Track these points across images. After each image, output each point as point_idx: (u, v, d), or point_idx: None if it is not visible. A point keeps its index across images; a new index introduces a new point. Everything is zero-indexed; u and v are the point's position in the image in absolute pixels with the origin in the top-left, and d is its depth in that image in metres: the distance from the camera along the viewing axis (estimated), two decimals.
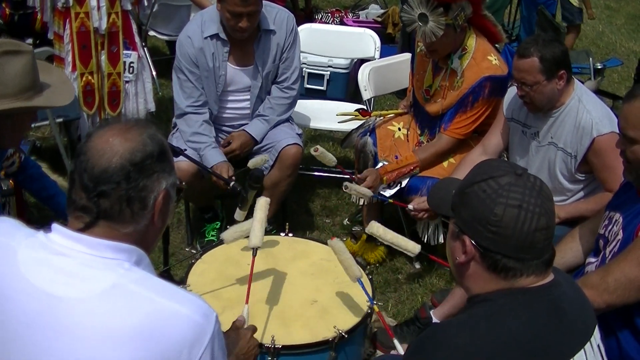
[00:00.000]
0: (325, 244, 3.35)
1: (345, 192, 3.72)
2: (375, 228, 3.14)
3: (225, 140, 4.13)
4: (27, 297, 1.62)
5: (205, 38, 3.95)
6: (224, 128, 4.23)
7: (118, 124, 1.73)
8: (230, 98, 4.14)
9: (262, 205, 2.92)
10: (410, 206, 3.76)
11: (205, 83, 4.03)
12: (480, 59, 3.81)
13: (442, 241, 4.02)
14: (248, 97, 4.14)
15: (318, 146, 3.70)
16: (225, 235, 3.00)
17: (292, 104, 4.27)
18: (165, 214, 1.78)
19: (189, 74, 4.00)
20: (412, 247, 3.15)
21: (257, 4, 3.82)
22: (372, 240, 4.26)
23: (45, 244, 1.68)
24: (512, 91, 3.65)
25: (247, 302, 2.64)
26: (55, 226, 1.70)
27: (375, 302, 2.86)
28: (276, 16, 4.06)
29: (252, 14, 3.81)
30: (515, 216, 1.78)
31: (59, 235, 1.68)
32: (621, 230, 2.67)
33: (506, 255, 1.81)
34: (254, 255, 2.81)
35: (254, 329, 2.36)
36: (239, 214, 3.35)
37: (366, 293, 2.84)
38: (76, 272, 1.63)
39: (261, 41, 4.02)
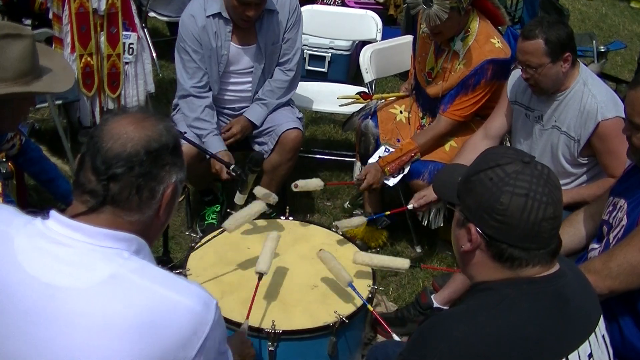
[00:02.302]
0: (327, 227, 3.34)
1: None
2: (361, 258, 3.02)
3: (225, 127, 4.11)
4: (24, 286, 1.61)
5: (208, 17, 3.92)
6: (225, 111, 4.21)
7: (135, 113, 1.73)
8: (232, 80, 4.11)
9: (274, 238, 2.90)
10: (409, 206, 3.72)
11: (207, 62, 4.00)
12: (483, 41, 3.78)
13: (442, 224, 4.01)
14: (250, 79, 4.12)
15: (297, 182, 3.47)
16: (227, 223, 2.97)
17: (293, 86, 4.24)
18: (171, 209, 1.78)
19: (192, 53, 3.97)
20: (401, 264, 3.07)
21: None
22: (373, 224, 4.25)
23: (43, 232, 1.66)
24: (515, 74, 3.63)
25: (247, 317, 2.63)
26: (53, 213, 1.68)
27: (369, 303, 2.86)
28: None
29: (259, 4, 3.80)
30: (521, 205, 1.75)
31: (57, 223, 1.66)
32: (625, 216, 2.66)
33: (512, 244, 1.79)
34: (259, 280, 2.76)
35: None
36: (239, 197, 3.34)
37: (360, 297, 2.81)
38: (74, 261, 1.61)
39: (264, 21, 3.99)
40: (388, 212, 3.76)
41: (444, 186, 2.05)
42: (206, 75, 4.02)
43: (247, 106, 4.15)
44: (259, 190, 3.35)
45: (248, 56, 4.05)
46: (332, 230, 3.31)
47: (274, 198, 3.31)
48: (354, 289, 2.79)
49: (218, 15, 3.92)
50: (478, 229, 1.82)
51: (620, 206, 2.71)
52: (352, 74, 6.22)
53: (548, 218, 1.77)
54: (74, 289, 1.58)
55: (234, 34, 3.99)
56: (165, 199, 1.71)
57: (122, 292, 1.58)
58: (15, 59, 2.74)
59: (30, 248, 1.64)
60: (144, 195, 1.67)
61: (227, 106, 4.20)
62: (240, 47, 4.02)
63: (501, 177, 1.78)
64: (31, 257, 1.63)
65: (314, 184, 3.51)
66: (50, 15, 4.60)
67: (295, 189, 3.45)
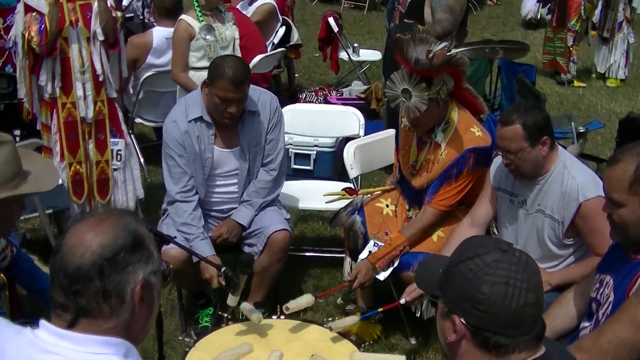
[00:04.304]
0: (320, 324, 3.33)
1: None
2: (358, 358, 3.07)
3: (214, 232, 4.13)
4: None
5: (190, 121, 3.99)
6: (213, 213, 4.24)
7: (92, 217, 1.72)
8: (217, 182, 4.16)
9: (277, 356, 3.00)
10: (402, 301, 3.72)
11: (192, 166, 4.05)
12: (463, 131, 3.84)
13: (435, 314, 3.99)
14: (235, 180, 4.17)
15: (287, 305, 3.50)
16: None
17: (277, 185, 4.29)
18: (150, 303, 1.74)
19: (177, 157, 4.02)
20: None
21: (246, 90, 3.89)
22: (366, 318, 4.23)
23: (33, 341, 1.67)
24: (497, 161, 3.67)
25: None
26: (42, 323, 1.69)
27: None
28: (259, 98, 4.11)
29: (241, 100, 3.87)
30: (503, 293, 1.77)
31: (46, 332, 1.67)
32: (612, 292, 2.68)
33: (496, 332, 1.80)
34: None
35: None
36: (231, 299, 3.35)
37: None
38: None
39: (246, 122, 4.06)
40: (381, 309, 3.73)
41: (426, 279, 2.07)
42: (192, 179, 4.05)
43: (235, 207, 4.18)
44: (245, 306, 3.38)
45: (232, 158, 4.11)
46: (325, 327, 3.31)
47: (257, 317, 3.31)
48: None
49: (199, 119, 4.00)
50: (462, 320, 1.84)
51: (607, 282, 2.73)
52: (338, 170, 6.25)
53: (530, 304, 1.79)
54: None
55: (217, 137, 4.05)
56: (136, 297, 1.68)
57: None
58: (1, 165, 2.78)
59: (21, 358, 1.65)
60: (112, 301, 1.65)
61: (215, 208, 4.23)
62: (224, 150, 4.08)
63: (481, 267, 1.81)
64: None
65: (304, 300, 3.53)
66: (39, 125, 4.67)
67: (287, 312, 3.45)
